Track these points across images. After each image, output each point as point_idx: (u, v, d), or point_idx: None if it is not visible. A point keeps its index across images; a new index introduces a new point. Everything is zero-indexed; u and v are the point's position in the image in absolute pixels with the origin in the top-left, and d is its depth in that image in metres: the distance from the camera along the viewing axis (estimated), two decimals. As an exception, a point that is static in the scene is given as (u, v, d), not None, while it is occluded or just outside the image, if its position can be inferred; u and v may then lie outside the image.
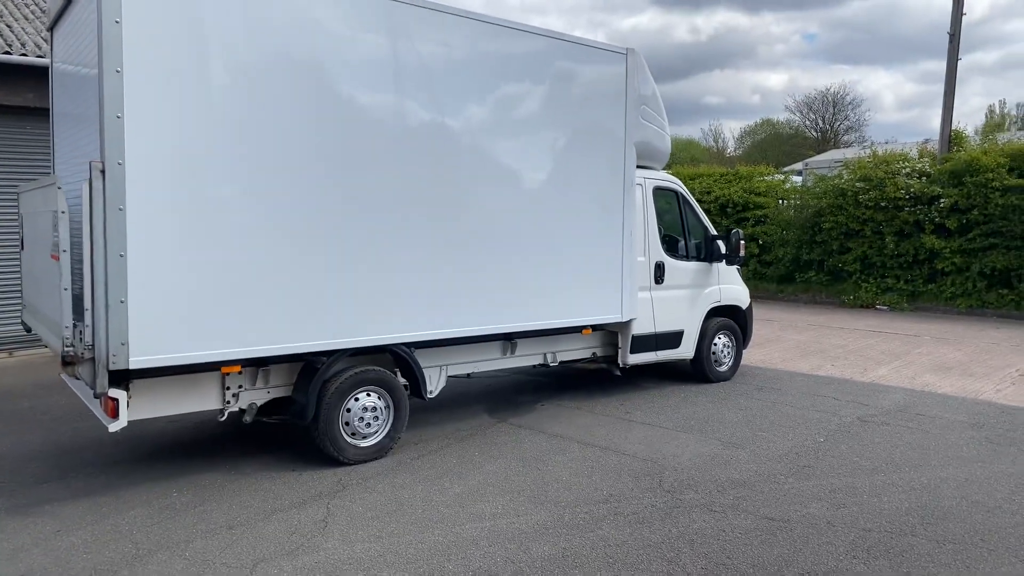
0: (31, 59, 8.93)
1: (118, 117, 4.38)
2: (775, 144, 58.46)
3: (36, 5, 11.19)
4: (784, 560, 4.05)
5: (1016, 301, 13.58)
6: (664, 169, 8.33)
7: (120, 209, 4.40)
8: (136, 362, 4.52)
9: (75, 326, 4.41)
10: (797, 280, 16.76)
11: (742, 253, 8.33)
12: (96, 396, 4.60)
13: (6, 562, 4.07)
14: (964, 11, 14.95)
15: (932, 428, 6.60)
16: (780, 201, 18.26)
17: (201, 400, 5.21)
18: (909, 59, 79.97)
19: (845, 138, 59.47)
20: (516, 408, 7.30)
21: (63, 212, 4.36)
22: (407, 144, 5.69)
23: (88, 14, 4.73)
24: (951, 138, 15.53)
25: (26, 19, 10.39)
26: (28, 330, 6.20)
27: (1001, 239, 13.67)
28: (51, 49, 6.05)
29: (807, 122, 61.37)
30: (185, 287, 4.69)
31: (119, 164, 4.39)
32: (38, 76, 9.16)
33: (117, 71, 4.37)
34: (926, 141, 41.55)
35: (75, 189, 4.44)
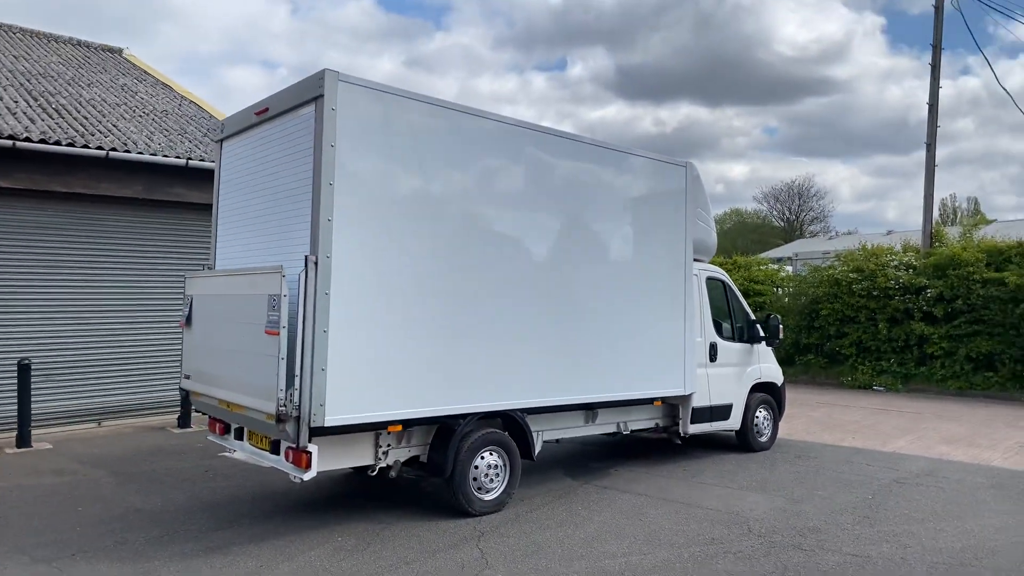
0: (146, 156, 10.01)
1: (328, 220, 5.44)
2: (743, 233, 61.21)
3: (125, 105, 12.39)
4: (878, 584, 4.99)
5: (1000, 383, 14.89)
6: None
7: (326, 294, 5.41)
8: (331, 420, 5.43)
9: (288, 390, 5.32)
10: (797, 362, 17.97)
11: (780, 336, 9.49)
12: (296, 450, 5.47)
13: (235, 588, 4.84)
14: (939, 125, 16.88)
15: (960, 488, 7.63)
16: (776, 289, 19.72)
17: (359, 456, 6.09)
18: (863, 153, 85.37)
19: (811, 228, 62.75)
20: (593, 472, 8.19)
21: (285, 295, 5.34)
22: (531, 254, 6.88)
23: (293, 136, 5.85)
24: (932, 234, 17.20)
25: (123, 118, 11.55)
26: (186, 396, 7.04)
27: (984, 326, 15.09)
28: (219, 157, 7.13)
29: (774, 212, 64.73)
30: (367, 358, 5.66)
31: (327, 257, 5.42)
32: (150, 171, 10.27)
33: (330, 184, 5.46)
34: (888, 232, 44.14)
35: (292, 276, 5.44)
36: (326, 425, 5.41)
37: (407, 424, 6.11)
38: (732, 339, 9.21)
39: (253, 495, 7.10)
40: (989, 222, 23.00)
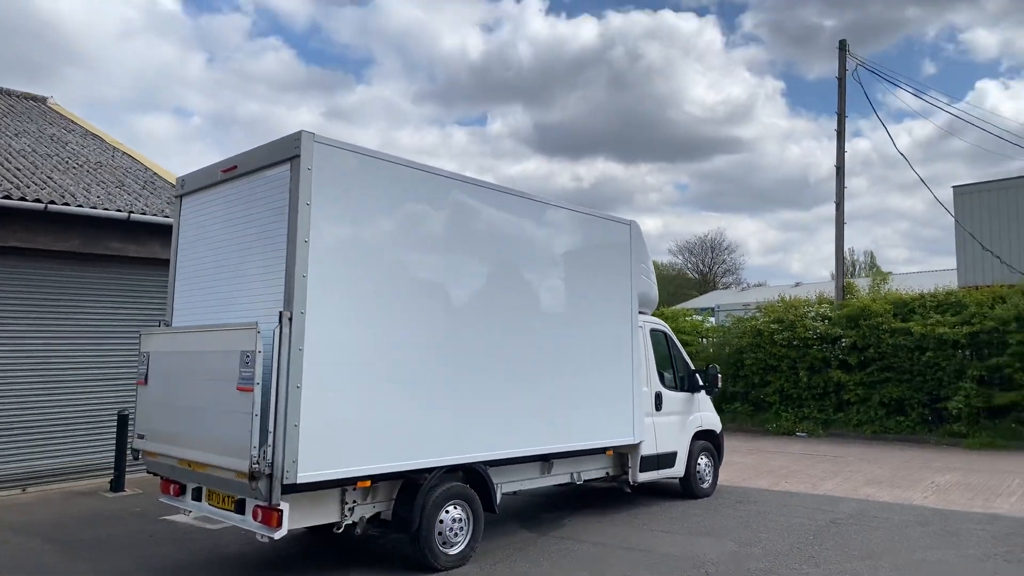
0: (86, 210, 9.76)
1: (303, 276, 5.53)
2: (661, 284, 62.73)
3: (57, 156, 12.06)
4: (833, 618, 5.31)
5: (911, 426, 15.89)
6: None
7: (300, 349, 5.47)
8: (303, 477, 5.42)
9: (261, 447, 5.29)
10: (724, 410, 18.57)
11: (719, 385, 9.97)
12: (267, 508, 5.42)
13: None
14: (845, 185, 18.25)
15: (889, 526, 8.14)
16: (701, 339, 20.53)
17: (326, 514, 6.05)
18: (769, 209, 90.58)
19: (723, 280, 65.45)
20: (548, 524, 8.31)
21: (259, 351, 5.35)
22: (490, 311, 7.08)
23: (264, 194, 5.94)
24: (844, 286, 18.40)
25: (57, 170, 11.24)
26: (136, 457, 6.83)
27: (894, 373, 16.14)
28: (178, 213, 7.10)
29: (688, 265, 67.24)
30: (338, 413, 5.70)
31: (301, 313, 5.50)
32: (86, 225, 10.01)
33: (305, 241, 5.57)
34: (797, 284, 46.47)
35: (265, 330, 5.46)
36: (299, 482, 5.40)
37: (375, 479, 6.13)
38: (675, 388, 9.62)
39: (207, 560, 6.89)
40: (885, 275, 24.65)
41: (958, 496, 9.83)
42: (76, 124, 15.29)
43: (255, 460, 5.26)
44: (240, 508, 5.83)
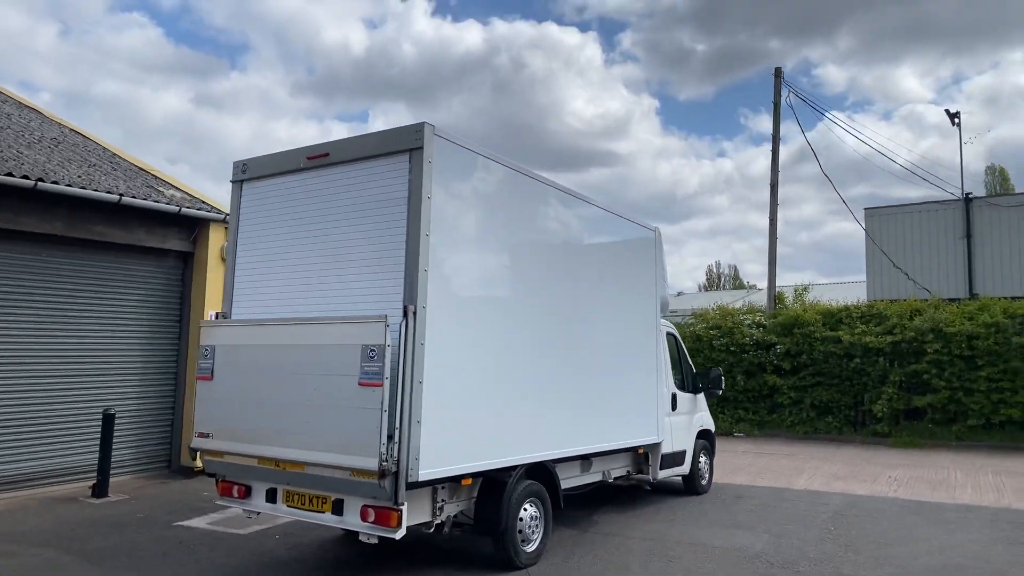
0: (76, 190, 8.92)
1: (425, 271, 5.42)
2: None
3: (10, 129, 10.95)
4: (915, 599, 5.79)
5: (838, 427, 17.24)
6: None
7: (422, 344, 5.35)
8: (424, 474, 5.31)
9: (388, 443, 5.12)
10: (664, 412, 19.43)
11: (723, 386, 10.47)
12: (387, 508, 5.25)
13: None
14: (779, 201, 19.54)
15: (886, 515, 8.86)
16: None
17: (420, 514, 5.89)
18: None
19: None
20: (582, 521, 8.42)
21: (388, 345, 5.18)
22: (560, 312, 7.22)
23: (373, 185, 5.75)
24: (776, 298, 19.68)
25: (20, 144, 10.21)
26: (194, 458, 6.38)
27: (824, 377, 17.45)
28: (238, 199, 6.69)
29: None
30: (449, 411, 5.61)
31: (423, 308, 5.38)
32: (71, 206, 9.19)
33: (426, 235, 5.45)
34: (679, 293, 48.82)
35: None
36: (420, 480, 5.29)
37: (473, 477, 6.07)
38: (683, 389, 10.02)
39: (265, 564, 6.54)
40: (806, 287, 26.44)
41: (922, 489, 10.80)
42: (7, 95, 13.89)
43: (383, 457, 5.09)
44: (338, 509, 5.60)
